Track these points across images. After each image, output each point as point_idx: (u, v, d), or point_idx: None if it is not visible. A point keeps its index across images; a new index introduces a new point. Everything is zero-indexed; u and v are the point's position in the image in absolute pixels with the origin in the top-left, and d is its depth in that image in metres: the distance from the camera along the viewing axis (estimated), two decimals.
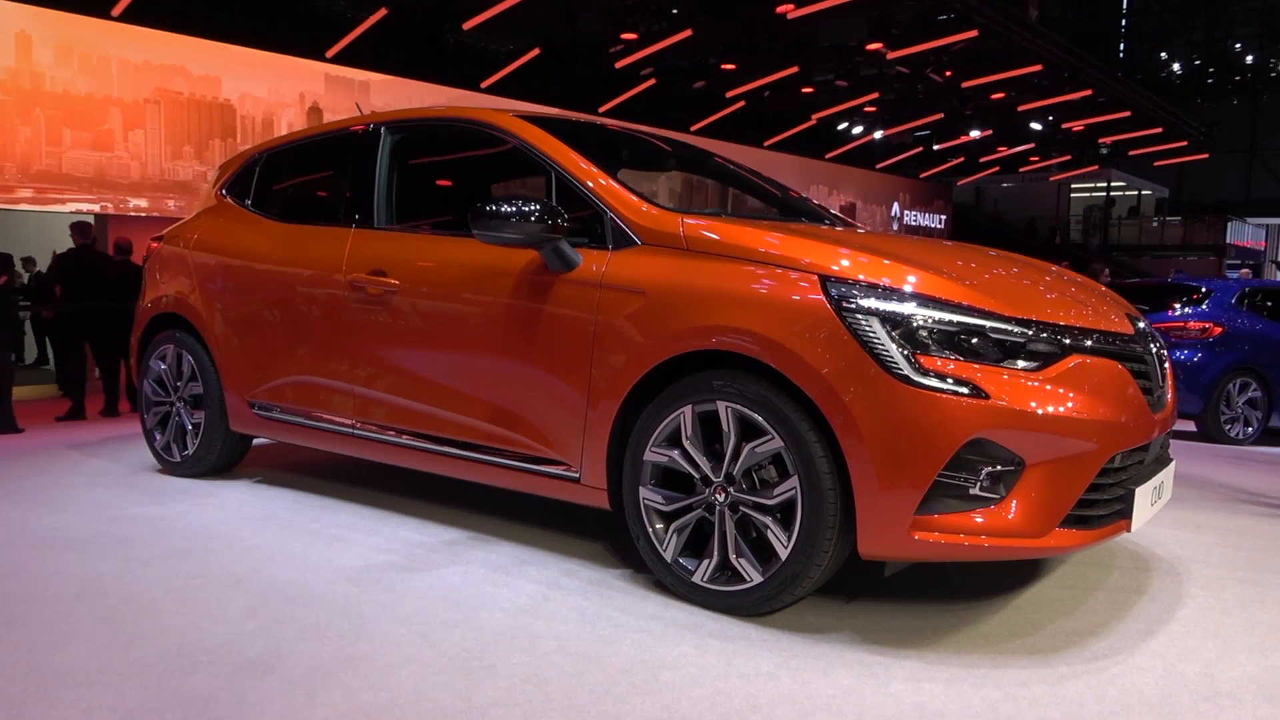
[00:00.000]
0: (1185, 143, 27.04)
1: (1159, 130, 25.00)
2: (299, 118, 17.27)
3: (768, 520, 2.89)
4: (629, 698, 2.39)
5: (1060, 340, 2.85)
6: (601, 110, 18.17)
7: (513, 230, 3.24)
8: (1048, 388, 2.76)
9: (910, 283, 2.83)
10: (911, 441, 2.68)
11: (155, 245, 5.05)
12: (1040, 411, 2.72)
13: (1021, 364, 2.77)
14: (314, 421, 4.18)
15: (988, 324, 2.77)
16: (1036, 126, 23.28)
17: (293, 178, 4.86)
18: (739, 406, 2.92)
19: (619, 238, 3.30)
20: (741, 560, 2.95)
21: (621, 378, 3.16)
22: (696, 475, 3.04)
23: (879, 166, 25.91)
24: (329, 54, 16.02)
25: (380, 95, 18.21)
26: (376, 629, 2.80)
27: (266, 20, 15.51)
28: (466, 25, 14.99)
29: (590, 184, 3.43)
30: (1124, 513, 2.96)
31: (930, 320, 2.75)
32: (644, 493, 3.14)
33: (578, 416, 3.30)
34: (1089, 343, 2.91)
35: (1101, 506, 2.90)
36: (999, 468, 2.70)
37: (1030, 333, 2.81)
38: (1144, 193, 34.92)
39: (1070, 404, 2.77)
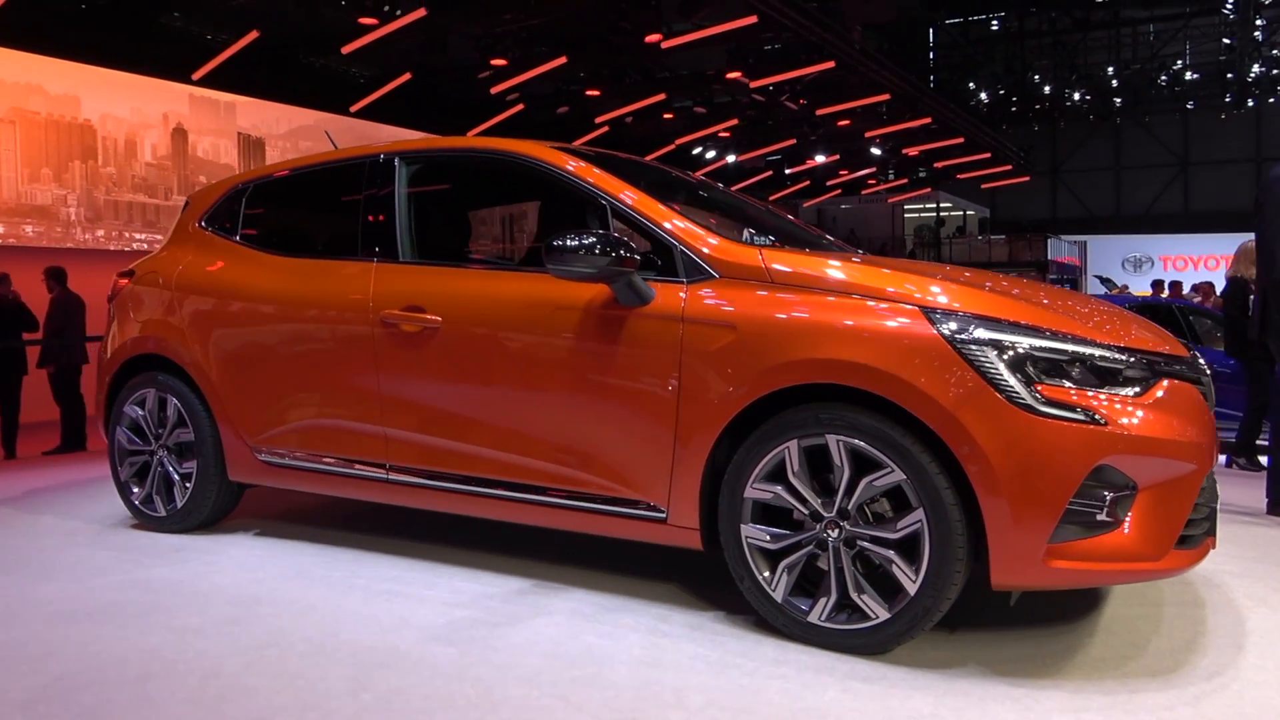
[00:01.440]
0: (1010, 166, 29.00)
1: (988, 155, 26.81)
2: (163, 139, 16.47)
3: (891, 554, 2.86)
4: None
5: (1153, 365, 2.94)
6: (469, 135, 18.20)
7: (585, 264, 3.13)
8: (1151, 413, 2.84)
9: (1014, 313, 2.87)
10: (1042, 470, 2.70)
11: (124, 282, 4.66)
12: (1151, 436, 2.79)
13: (1124, 390, 2.83)
14: (336, 467, 3.93)
15: (1095, 352, 2.83)
16: (877, 151, 24.56)
17: (290, 210, 4.58)
18: (852, 439, 2.88)
19: (691, 270, 3.23)
20: (864, 597, 2.91)
21: (716, 414, 3.08)
22: (805, 511, 2.98)
23: (733, 190, 26.64)
24: (195, 76, 15.37)
25: (246, 117, 17.56)
26: (507, 693, 2.63)
27: (126, 40, 14.75)
28: (346, 49, 14.59)
29: (654, 217, 3.35)
30: (1211, 530, 3.07)
31: (1041, 350, 2.79)
32: (746, 531, 3.07)
33: (664, 454, 3.19)
34: (1175, 367, 3.01)
35: (1197, 526, 2.99)
36: (1117, 493, 2.76)
37: (1129, 359, 2.88)
38: (969, 213, 37.05)
39: (1171, 427, 2.85)
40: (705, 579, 3.64)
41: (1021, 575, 2.76)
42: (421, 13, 12.83)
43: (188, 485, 4.34)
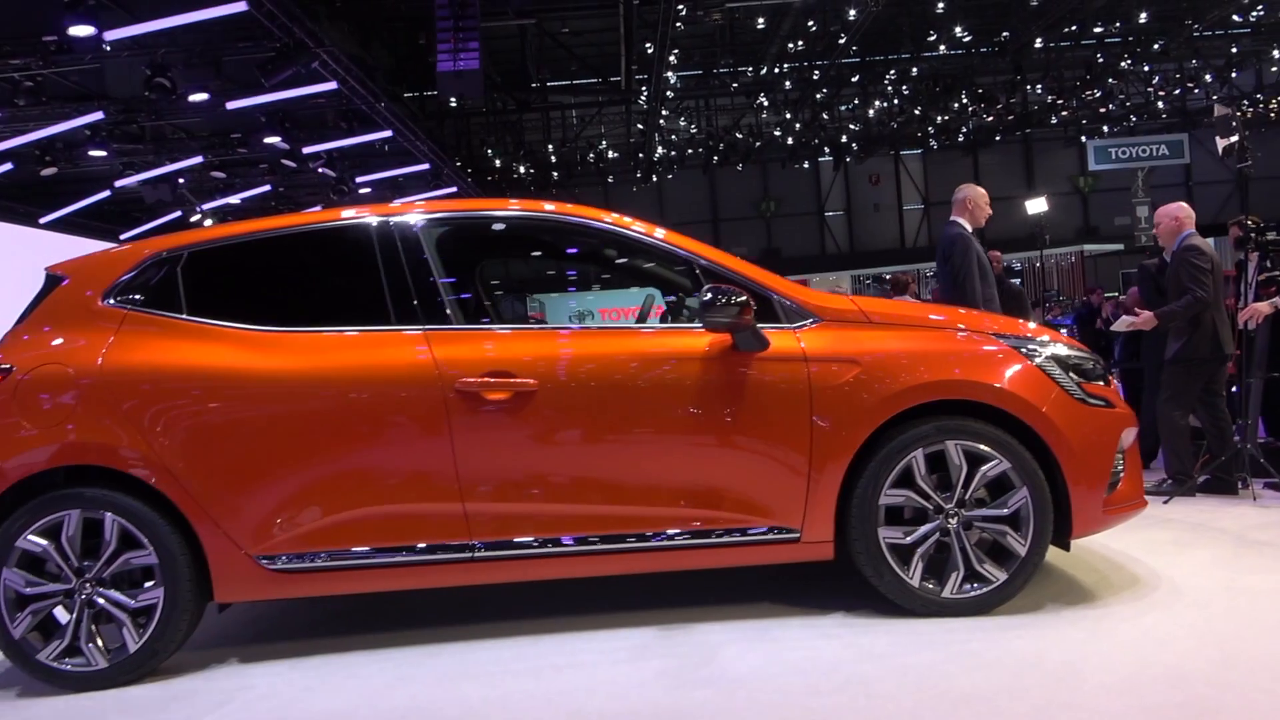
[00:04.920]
0: None
1: None
2: None
3: (1004, 528, 3.64)
4: (1124, 679, 3.02)
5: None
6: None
7: (725, 314, 3.49)
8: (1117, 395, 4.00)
9: (1048, 334, 3.88)
10: (1099, 446, 3.70)
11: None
12: (1129, 412, 3.95)
13: (1101, 381, 3.95)
14: (396, 558, 3.58)
15: (1093, 359, 3.91)
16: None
17: (270, 279, 3.93)
18: (967, 442, 3.62)
19: (793, 315, 3.72)
20: (986, 566, 3.64)
21: (849, 438, 3.60)
22: (930, 506, 3.63)
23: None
24: None
25: None
26: (809, 703, 2.91)
27: None
28: None
29: (747, 273, 3.78)
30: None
31: (1073, 358, 3.80)
32: (883, 533, 3.62)
33: (798, 480, 3.61)
34: None
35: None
36: (1121, 455, 3.86)
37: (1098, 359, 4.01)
38: None
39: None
40: (777, 593, 4.05)
41: (1091, 525, 3.72)
42: None
43: (144, 621, 3.55)
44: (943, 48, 21.21)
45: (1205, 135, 27.17)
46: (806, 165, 30.94)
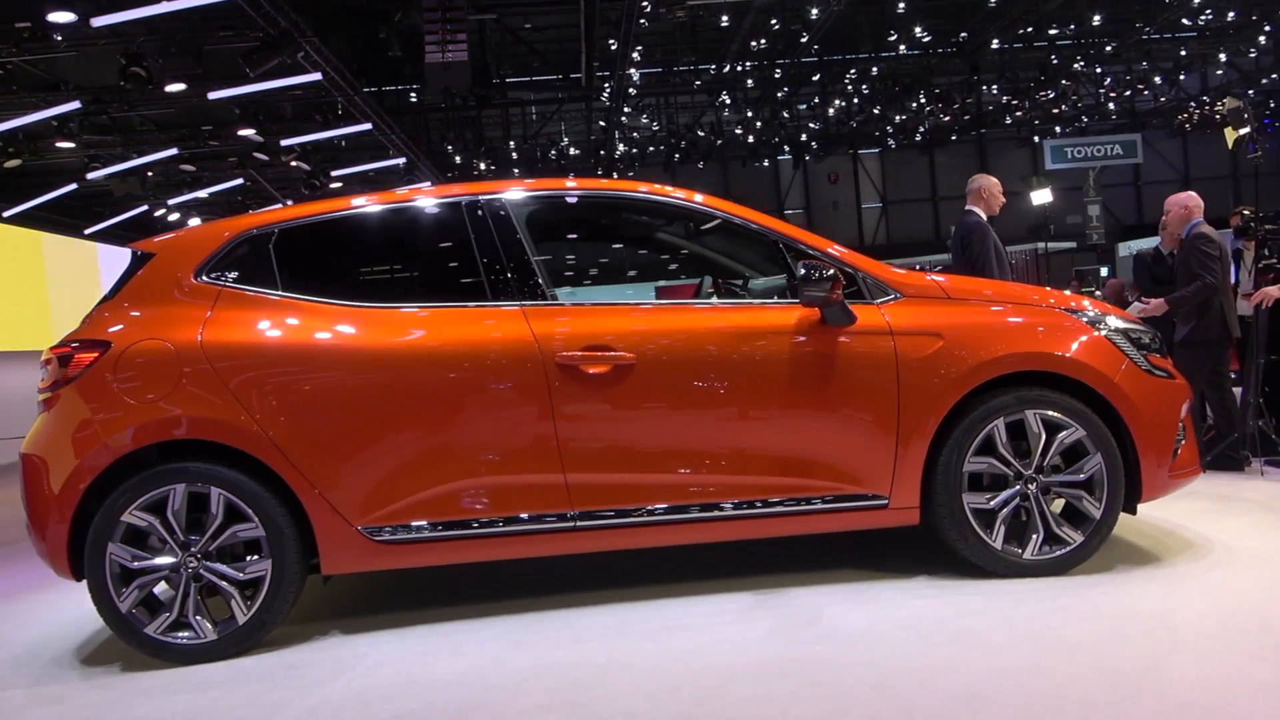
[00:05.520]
0: None
1: None
2: None
3: (1080, 492, 3.82)
4: (1215, 626, 3.21)
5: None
6: None
7: (820, 289, 3.62)
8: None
9: (1104, 307, 4.07)
10: (1165, 414, 3.90)
11: (88, 357, 3.60)
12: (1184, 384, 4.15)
13: (1159, 354, 4.13)
14: (504, 528, 3.65)
15: (1151, 333, 4.10)
16: None
17: (359, 255, 3.98)
18: (1045, 411, 3.79)
19: (876, 292, 3.87)
20: (1064, 529, 3.81)
21: (935, 407, 3.75)
22: (1010, 473, 3.80)
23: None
24: None
25: None
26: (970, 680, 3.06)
27: None
28: None
29: (835, 252, 3.91)
30: None
31: (1135, 333, 4.00)
32: (967, 499, 3.77)
33: (887, 448, 3.75)
34: None
35: None
36: (1181, 423, 4.06)
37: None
38: None
39: None
40: (856, 561, 4.19)
41: (1158, 489, 3.91)
42: None
43: (251, 593, 3.58)
44: (902, 48, 21.65)
45: (1153, 136, 28.06)
46: (767, 163, 31.28)
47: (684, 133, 27.71)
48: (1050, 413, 3.78)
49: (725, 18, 20.31)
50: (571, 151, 29.56)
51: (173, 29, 12.40)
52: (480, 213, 3.88)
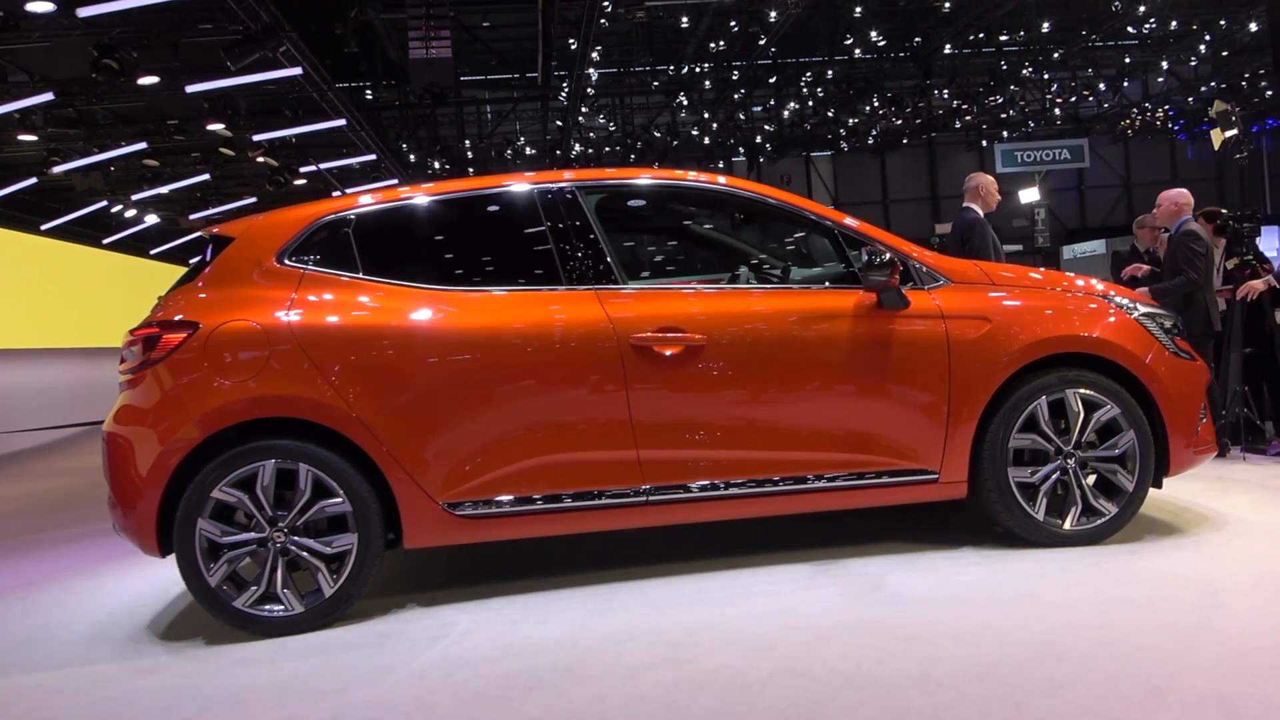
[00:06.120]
0: None
1: None
2: None
3: (1115, 467, 4.08)
4: (1252, 587, 3.49)
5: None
6: None
7: (881, 274, 3.85)
8: None
9: (1129, 293, 4.35)
10: (1189, 394, 4.19)
11: (177, 337, 3.67)
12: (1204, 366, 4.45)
13: (1181, 339, 4.43)
14: (578, 502, 3.81)
15: (1172, 318, 4.39)
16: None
17: (437, 240, 4.10)
18: (1086, 390, 4.05)
19: (925, 278, 4.10)
20: (1101, 500, 4.08)
21: (983, 387, 3.99)
22: (1051, 449, 4.05)
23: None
24: None
25: None
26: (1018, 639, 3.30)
27: None
28: None
29: (885, 239, 4.14)
30: None
31: (1160, 317, 4.28)
32: (1012, 473, 4.02)
33: (938, 425, 3.99)
34: None
35: None
36: (1203, 403, 4.35)
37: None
38: None
39: None
40: (901, 534, 4.41)
41: (1183, 465, 4.20)
42: None
43: (337, 567, 3.69)
44: (858, 51, 22.09)
45: (1097, 141, 28.94)
46: (721, 164, 31.59)
47: (640, 133, 27.91)
48: (1089, 392, 4.04)
49: (686, 19, 20.55)
50: (528, 151, 29.62)
51: (150, 21, 12.25)
52: (551, 200, 4.03)
